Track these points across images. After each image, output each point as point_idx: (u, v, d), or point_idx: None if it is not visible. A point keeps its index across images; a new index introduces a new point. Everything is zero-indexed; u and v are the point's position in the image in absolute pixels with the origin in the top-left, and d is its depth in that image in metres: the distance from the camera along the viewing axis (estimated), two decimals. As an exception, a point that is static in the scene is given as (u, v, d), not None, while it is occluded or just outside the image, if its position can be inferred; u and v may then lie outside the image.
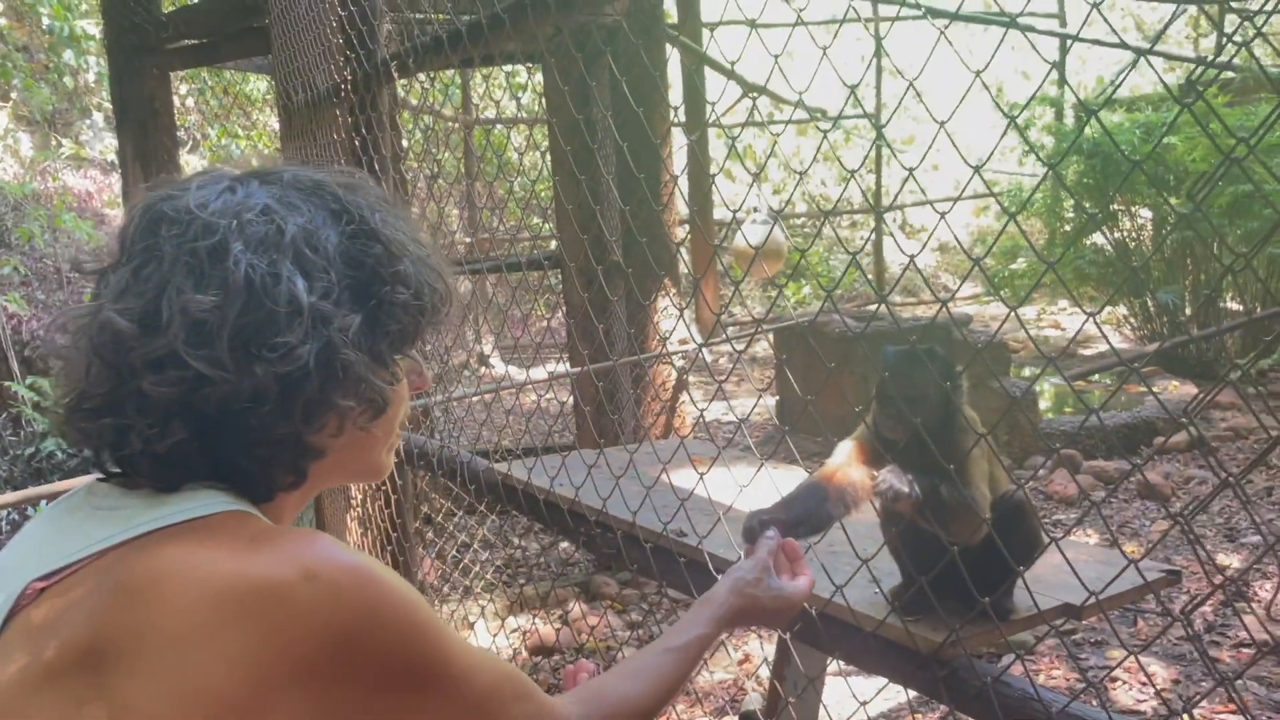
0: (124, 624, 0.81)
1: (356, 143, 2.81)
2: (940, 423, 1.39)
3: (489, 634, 4.30)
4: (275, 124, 9.68)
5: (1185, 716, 1.07)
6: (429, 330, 1.05)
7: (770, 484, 1.79)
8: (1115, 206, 8.26)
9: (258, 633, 0.81)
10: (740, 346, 8.47)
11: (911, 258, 1.38)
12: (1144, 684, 3.66)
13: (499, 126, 9.59)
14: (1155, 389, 7.20)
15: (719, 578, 1.38)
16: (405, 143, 3.11)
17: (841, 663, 3.48)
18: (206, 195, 0.94)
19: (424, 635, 0.90)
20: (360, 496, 3.20)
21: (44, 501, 4.69)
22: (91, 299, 0.96)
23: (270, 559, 0.85)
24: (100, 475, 0.97)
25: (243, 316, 0.89)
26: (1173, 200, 7.86)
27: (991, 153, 1.46)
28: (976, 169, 1.33)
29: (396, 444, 1.09)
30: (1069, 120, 10.47)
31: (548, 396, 7.14)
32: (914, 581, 1.50)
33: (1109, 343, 1.35)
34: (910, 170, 1.38)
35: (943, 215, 1.36)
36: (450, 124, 8.49)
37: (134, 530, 0.87)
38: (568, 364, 5.24)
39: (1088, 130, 7.72)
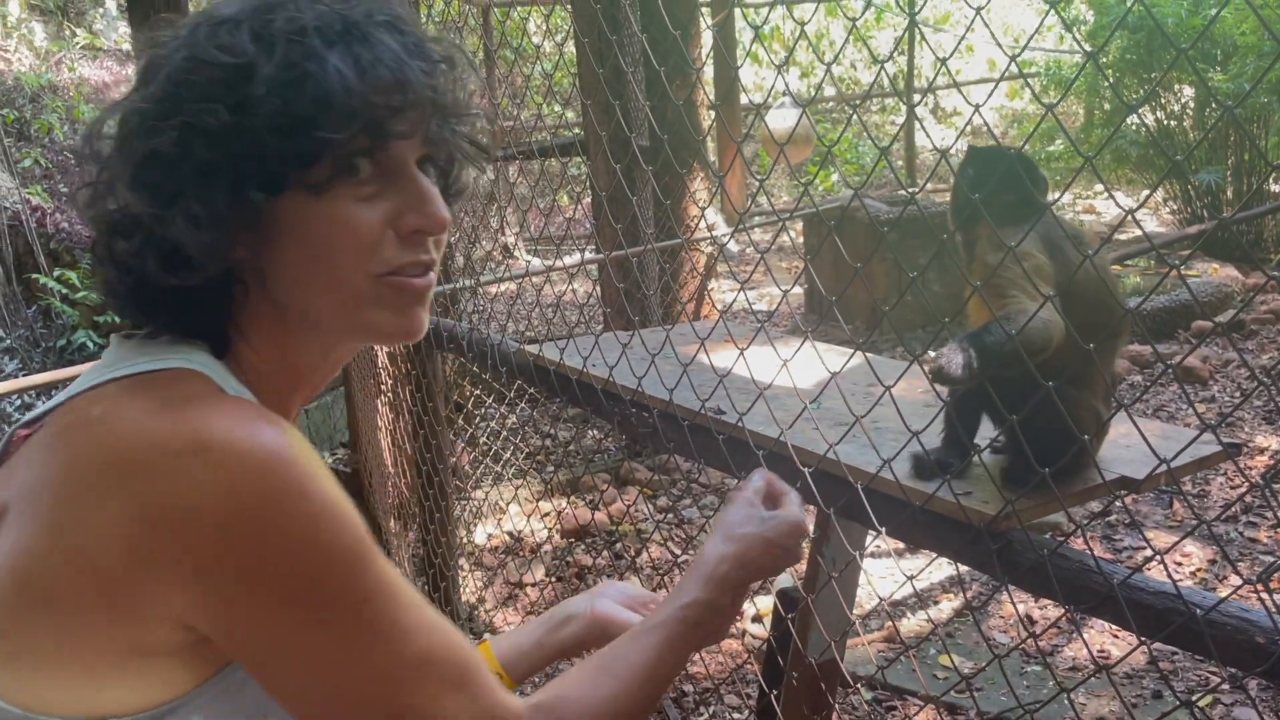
0: (36, 480, 0.79)
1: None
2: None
3: (522, 517, 4.34)
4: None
5: (1260, 587, 1.02)
6: (328, 153, 0.83)
7: (813, 361, 1.74)
8: (1155, 85, 7.95)
9: (136, 503, 0.74)
10: (766, 236, 8.34)
11: (944, 154, 1.31)
12: (1179, 564, 3.65)
13: (516, 10, 9.32)
14: (1194, 272, 7.05)
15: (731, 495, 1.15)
16: (424, 17, 2.99)
17: (880, 542, 3.48)
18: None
19: (326, 556, 0.78)
20: (390, 382, 3.18)
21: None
22: None
23: (169, 424, 0.77)
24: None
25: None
26: (1218, 78, 7.56)
27: (1027, 43, 1.38)
28: (1013, 59, 1.24)
29: (402, 297, 0.90)
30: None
31: (574, 288, 7.09)
32: (952, 443, 1.47)
33: (1150, 240, 1.27)
34: (943, 60, 1.29)
35: (976, 108, 1.26)
36: (469, 6, 8.25)
37: (95, 380, 0.84)
38: (593, 253, 5.17)
39: (1129, 1, 7.39)
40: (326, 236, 0.85)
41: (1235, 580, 3.46)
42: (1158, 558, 1.16)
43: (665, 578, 3.54)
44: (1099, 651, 3.19)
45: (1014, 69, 1.28)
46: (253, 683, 0.81)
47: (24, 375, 5.55)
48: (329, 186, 0.84)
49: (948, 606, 3.62)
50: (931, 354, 1.38)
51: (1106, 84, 7.91)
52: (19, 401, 5.18)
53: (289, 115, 0.80)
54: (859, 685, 3.10)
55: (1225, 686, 2.91)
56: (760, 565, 1.06)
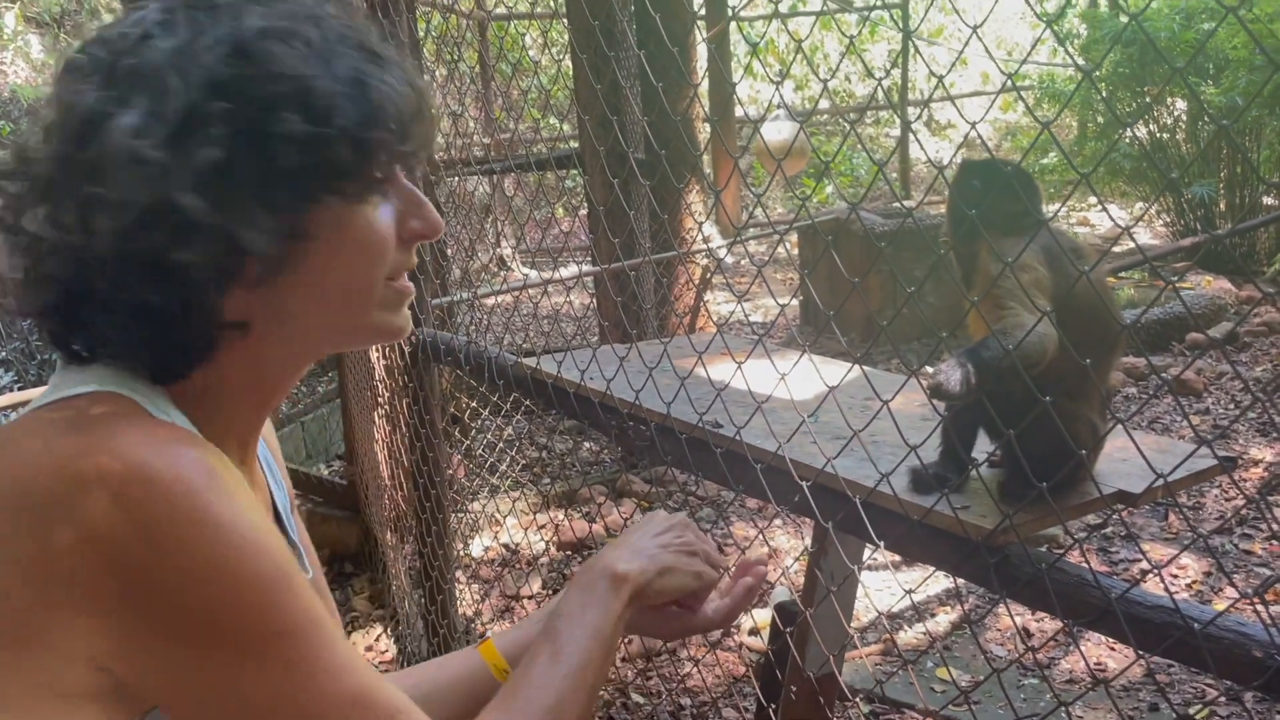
0: None
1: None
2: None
3: (519, 529, 4.34)
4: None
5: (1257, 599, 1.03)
6: (375, 163, 0.86)
7: (810, 374, 1.74)
8: (1149, 99, 8.00)
9: (37, 537, 0.71)
10: (763, 248, 8.37)
11: (940, 170, 1.32)
12: (1174, 577, 3.66)
13: (514, 24, 9.36)
14: (1188, 284, 7.08)
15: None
16: (421, 31, 3.00)
17: (877, 554, 3.48)
18: (101, 32, 0.83)
19: (241, 587, 0.74)
20: (387, 394, 3.18)
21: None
22: None
23: (68, 451, 0.73)
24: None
25: (80, 165, 0.78)
26: (1210, 91, 7.60)
27: (1024, 60, 1.39)
28: (1009, 76, 1.25)
29: (402, 299, 0.93)
30: (1104, 5, 10.09)
31: (570, 300, 7.10)
32: (949, 458, 1.48)
33: (1143, 254, 1.28)
34: (940, 78, 1.30)
35: (973, 125, 1.27)
36: (465, 19, 8.28)
37: (32, 407, 0.82)
38: (589, 265, 5.18)
39: (1125, 17, 7.43)
40: (362, 243, 0.87)
41: (1230, 592, 3.47)
42: (1154, 571, 1.17)
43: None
44: (1096, 664, 3.19)
45: (1008, 84, 1.29)
46: None
47: (19, 388, 5.54)
48: (362, 194, 0.86)
49: (945, 619, 3.62)
50: (929, 369, 1.39)
51: (1100, 98, 7.95)
52: (15, 416, 5.17)
53: (362, 125, 0.83)
54: (857, 699, 3.10)
55: (1222, 699, 2.92)
56: (639, 532, 1.16)
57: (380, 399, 3.26)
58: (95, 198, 0.77)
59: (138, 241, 0.78)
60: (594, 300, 5.80)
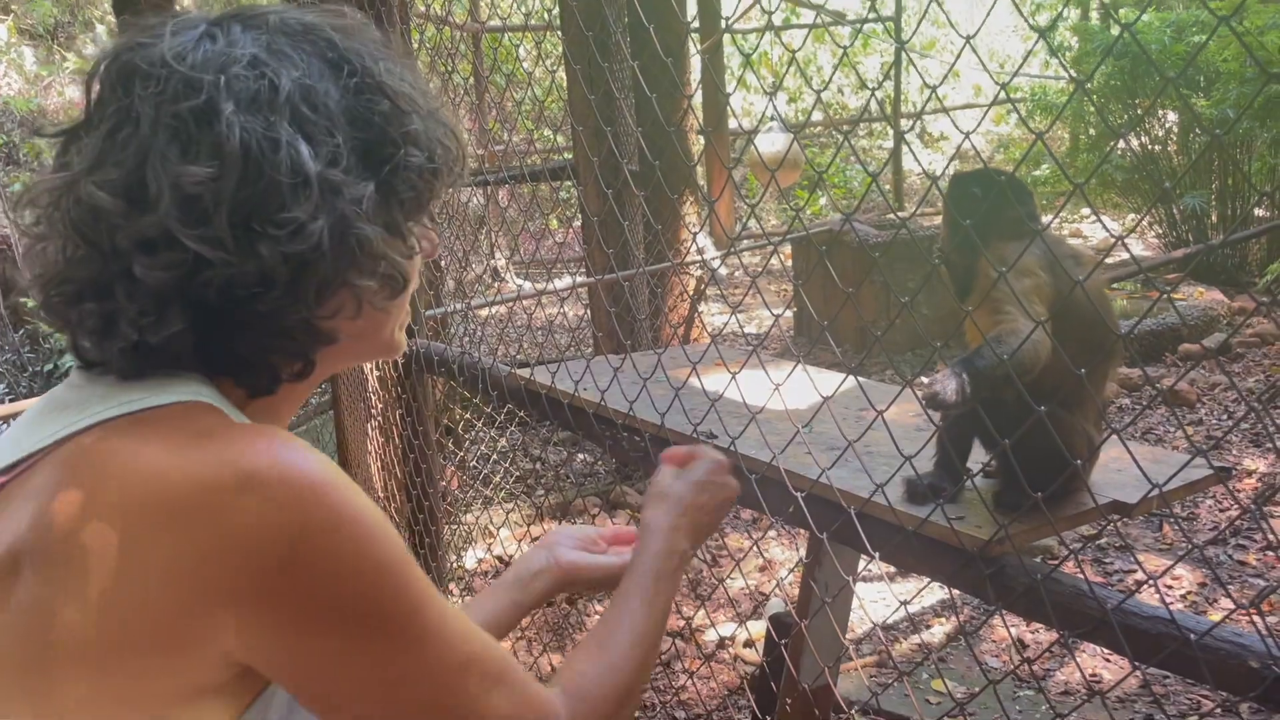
0: (57, 525, 0.75)
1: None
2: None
3: (513, 541, 4.32)
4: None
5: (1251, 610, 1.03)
6: (442, 194, 0.94)
7: (804, 384, 1.74)
8: (1140, 111, 8.02)
9: (182, 544, 0.73)
10: (756, 259, 8.38)
11: (934, 180, 1.32)
12: (1169, 587, 3.66)
13: (507, 36, 9.36)
14: (1180, 295, 7.09)
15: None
16: (415, 42, 3.00)
17: (871, 565, 3.48)
18: (183, 44, 0.81)
19: (380, 573, 0.78)
20: (380, 406, 3.17)
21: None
22: (56, 167, 0.84)
23: (206, 459, 0.75)
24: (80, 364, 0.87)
25: (242, 189, 0.78)
26: (1201, 104, 7.63)
27: (1017, 71, 1.40)
28: (1002, 87, 1.25)
29: (408, 319, 1.00)
30: (1095, 18, 10.14)
31: (564, 311, 7.09)
32: (944, 468, 1.48)
33: (1138, 264, 1.28)
34: (933, 88, 1.30)
35: (967, 135, 1.27)
36: (459, 31, 8.29)
37: (87, 420, 0.80)
38: (583, 277, 5.17)
39: (1117, 29, 7.46)
40: (414, 283, 0.96)
41: (1225, 602, 3.47)
42: (1150, 582, 1.16)
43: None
44: (1091, 675, 3.19)
45: (1001, 95, 1.29)
46: (280, 694, 0.81)
47: (10, 400, 5.52)
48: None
49: (940, 630, 3.62)
50: (924, 379, 1.39)
51: (1092, 109, 7.97)
52: (3, 428, 5.15)
53: (452, 162, 0.93)
54: (852, 710, 3.09)
55: (1218, 710, 2.91)
56: (699, 504, 1.19)
57: (373, 410, 3.25)
58: (266, 221, 0.79)
59: (314, 265, 0.81)
60: (588, 311, 5.80)
